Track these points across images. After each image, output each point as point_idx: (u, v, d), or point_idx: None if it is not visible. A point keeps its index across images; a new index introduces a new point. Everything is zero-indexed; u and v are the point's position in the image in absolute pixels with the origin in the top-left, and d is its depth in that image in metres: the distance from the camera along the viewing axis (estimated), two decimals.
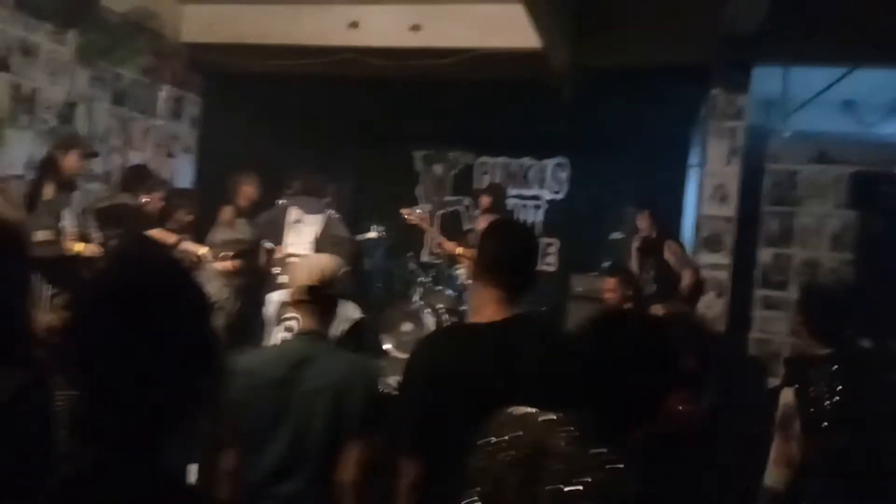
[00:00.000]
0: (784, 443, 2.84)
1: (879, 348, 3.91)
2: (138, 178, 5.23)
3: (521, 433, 1.52)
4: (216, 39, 6.18)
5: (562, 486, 1.43)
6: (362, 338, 3.38)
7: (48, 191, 4.34)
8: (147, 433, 1.04)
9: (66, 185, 4.52)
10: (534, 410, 1.58)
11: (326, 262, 2.37)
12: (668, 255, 5.20)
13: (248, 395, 2.17)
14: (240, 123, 6.43)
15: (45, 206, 4.33)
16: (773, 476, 2.86)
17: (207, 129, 6.67)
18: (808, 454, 2.77)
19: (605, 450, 1.46)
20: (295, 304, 2.34)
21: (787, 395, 2.86)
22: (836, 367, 2.81)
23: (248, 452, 2.18)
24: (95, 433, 1.03)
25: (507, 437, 1.53)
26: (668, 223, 5.65)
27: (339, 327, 3.25)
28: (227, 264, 4.01)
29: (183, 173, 6.54)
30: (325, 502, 2.12)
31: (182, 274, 1.14)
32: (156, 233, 4.77)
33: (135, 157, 5.91)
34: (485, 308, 1.97)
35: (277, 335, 3.42)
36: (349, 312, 3.36)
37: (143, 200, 5.03)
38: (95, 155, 4.96)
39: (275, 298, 3.54)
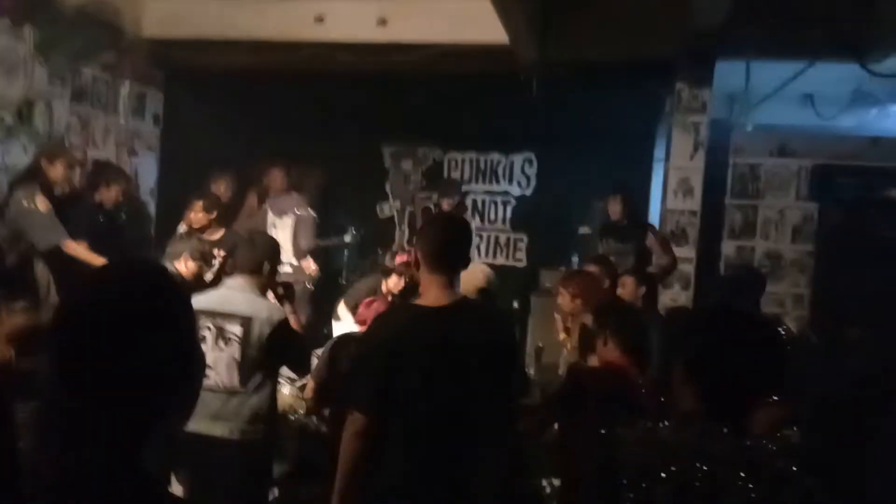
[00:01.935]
0: None
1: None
2: (101, 173, 5.12)
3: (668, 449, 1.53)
4: (179, 34, 6.06)
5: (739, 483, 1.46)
6: (288, 339, 3.08)
7: (42, 203, 4.24)
8: (127, 436, 1.05)
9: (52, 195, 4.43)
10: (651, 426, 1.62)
11: (487, 271, 3.29)
12: (652, 241, 5.17)
13: None
14: (204, 120, 6.32)
15: (40, 220, 4.24)
16: None
17: (170, 126, 6.55)
18: None
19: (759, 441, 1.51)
20: None
21: None
22: None
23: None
24: (74, 438, 1.04)
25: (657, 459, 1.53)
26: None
27: (261, 330, 3.00)
28: (184, 268, 3.87)
29: (146, 171, 6.42)
30: None
31: (164, 278, 1.16)
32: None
33: (96, 156, 5.78)
34: (429, 290, 2.26)
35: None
36: (273, 314, 3.08)
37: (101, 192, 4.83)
38: (82, 164, 4.84)
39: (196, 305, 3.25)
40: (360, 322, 4.24)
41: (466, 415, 2.16)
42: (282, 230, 5.15)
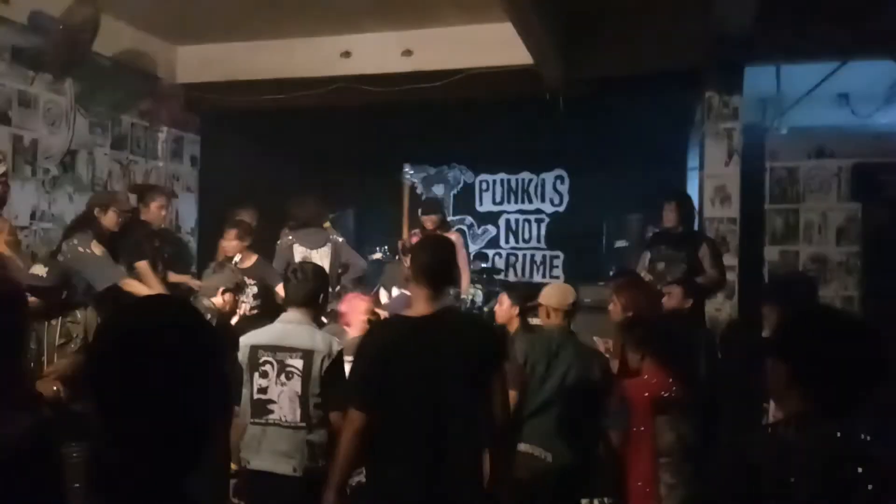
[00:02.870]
0: None
1: None
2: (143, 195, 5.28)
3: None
4: (212, 78, 6.24)
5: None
6: (339, 374, 3.05)
7: (97, 248, 4.41)
8: (169, 473, 1.07)
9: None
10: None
11: (570, 287, 3.68)
12: (705, 253, 4.98)
13: (530, 359, 3.36)
14: (240, 159, 6.48)
15: (97, 262, 4.38)
16: None
17: (208, 166, 6.71)
18: None
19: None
20: (555, 311, 3.51)
21: None
22: None
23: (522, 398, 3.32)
24: (117, 477, 1.06)
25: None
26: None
27: (321, 363, 2.99)
28: (220, 301, 3.93)
29: (186, 211, 6.58)
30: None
31: (197, 317, 1.18)
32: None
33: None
34: (418, 303, 2.58)
35: (255, 382, 3.05)
36: (333, 346, 3.04)
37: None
38: (131, 212, 4.99)
39: (248, 342, 3.12)
40: (344, 323, 4.21)
41: (452, 408, 2.44)
42: (318, 261, 5.17)
